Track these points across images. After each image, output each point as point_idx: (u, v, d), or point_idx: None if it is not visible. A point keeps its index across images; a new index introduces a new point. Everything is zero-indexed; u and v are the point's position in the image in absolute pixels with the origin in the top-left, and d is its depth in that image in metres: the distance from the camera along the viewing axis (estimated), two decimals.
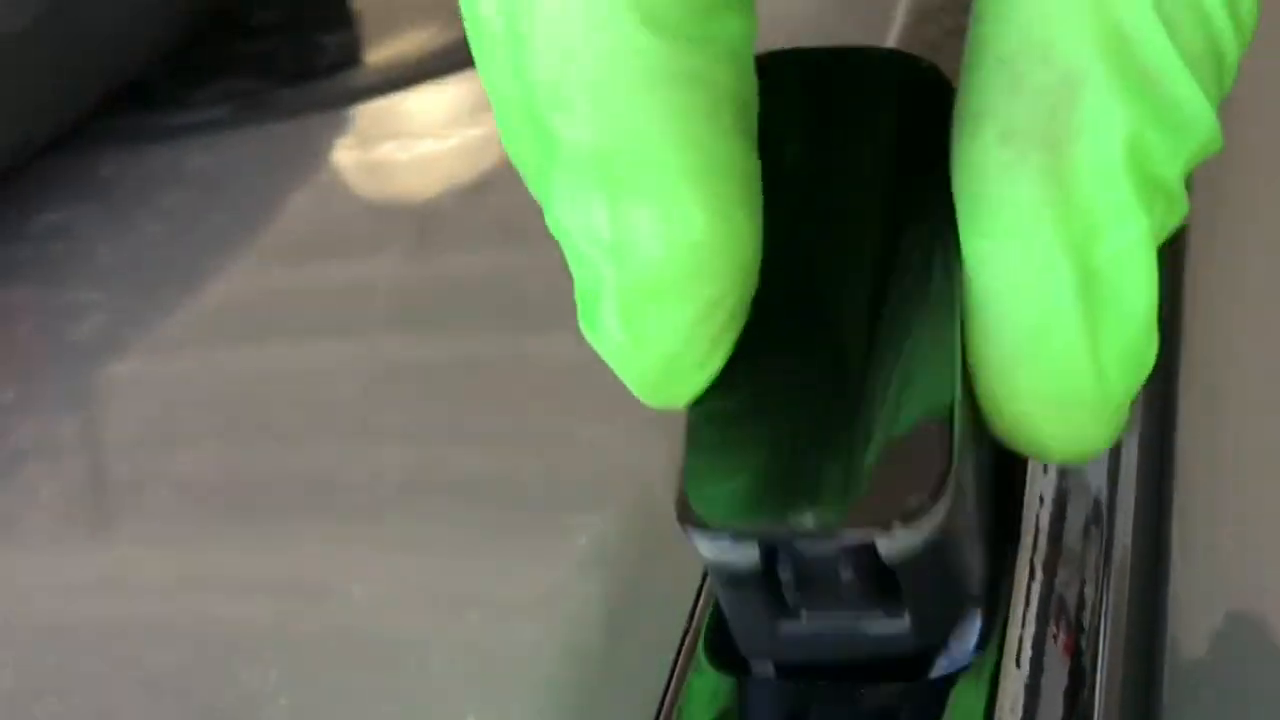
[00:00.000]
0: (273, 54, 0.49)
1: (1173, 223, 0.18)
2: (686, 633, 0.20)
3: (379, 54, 0.48)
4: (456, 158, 0.43)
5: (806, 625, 0.18)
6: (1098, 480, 0.23)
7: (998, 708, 0.19)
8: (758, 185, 0.18)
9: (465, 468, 0.31)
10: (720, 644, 0.19)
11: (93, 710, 0.28)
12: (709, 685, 0.19)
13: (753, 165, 0.18)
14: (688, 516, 0.17)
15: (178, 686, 0.28)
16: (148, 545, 0.32)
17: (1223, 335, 0.28)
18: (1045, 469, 0.22)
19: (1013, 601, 0.20)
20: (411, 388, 0.34)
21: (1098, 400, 0.18)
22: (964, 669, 0.19)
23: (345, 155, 0.44)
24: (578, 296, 0.18)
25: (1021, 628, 0.20)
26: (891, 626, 0.18)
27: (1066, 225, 0.17)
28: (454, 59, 0.45)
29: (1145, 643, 0.23)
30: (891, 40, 0.34)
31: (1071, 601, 0.21)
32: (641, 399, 0.18)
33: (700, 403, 0.18)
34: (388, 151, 0.44)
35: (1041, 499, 0.22)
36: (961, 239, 0.18)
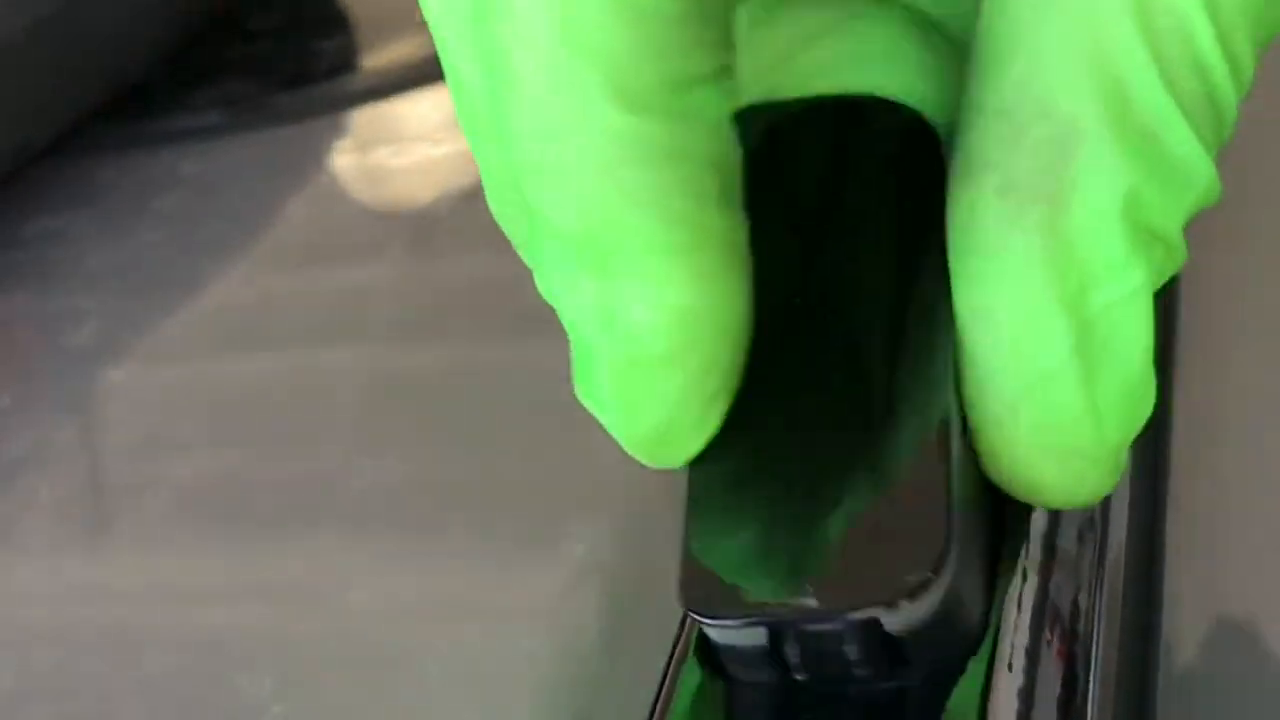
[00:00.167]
0: (269, 59, 0.49)
1: (1171, 269, 0.18)
2: (679, 638, 0.20)
3: (376, 59, 0.48)
4: (453, 163, 0.43)
5: (818, 694, 0.18)
6: None
7: (990, 713, 0.19)
8: (744, 250, 0.18)
9: (462, 475, 0.31)
10: (712, 648, 0.19)
11: (89, 715, 0.28)
12: (701, 689, 0.19)
13: (737, 230, 0.18)
14: (693, 605, 0.17)
15: (174, 692, 0.28)
16: (144, 551, 0.32)
17: (1218, 340, 0.28)
18: None
19: (1005, 607, 0.20)
20: (408, 394, 0.34)
21: (1096, 448, 0.18)
22: (959, 673, 0.19)
23: (342, 160, 0.44)
24: (573, 360, 0.18)
25: (1015, 633, 0.20)
26: (902, 682, 0.18)
27: (1063, 278, 0.17)
28: None
29: (1139, 648, 0.23)
30: None
31: (1065, 607, 0.21)
32: (639, 459, 0.19)
33: (699, 466, 0.18)
34: (384, 156, 0.44)
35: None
36: (955, 290, 0.18)
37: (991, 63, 0.17)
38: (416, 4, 0.18)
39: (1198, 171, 0.17)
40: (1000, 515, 0.20)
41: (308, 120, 0.45)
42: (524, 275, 0.38)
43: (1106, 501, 0.23)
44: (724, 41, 0.17)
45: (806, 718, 0.19)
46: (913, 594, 0.17)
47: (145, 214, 0.42)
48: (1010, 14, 0.17)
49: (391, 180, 0.43)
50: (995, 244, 0.17)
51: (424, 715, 0.26)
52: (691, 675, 0.19)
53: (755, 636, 0.17)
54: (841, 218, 0.20)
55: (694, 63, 0.17)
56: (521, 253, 0.19)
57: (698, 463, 0.18)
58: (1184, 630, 0.24)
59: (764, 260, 0.18)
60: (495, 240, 0.41)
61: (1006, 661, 0.19)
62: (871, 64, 0.20)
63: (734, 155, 0.18)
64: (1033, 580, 0.21)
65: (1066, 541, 0.22)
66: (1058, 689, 0.20)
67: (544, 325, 0.34)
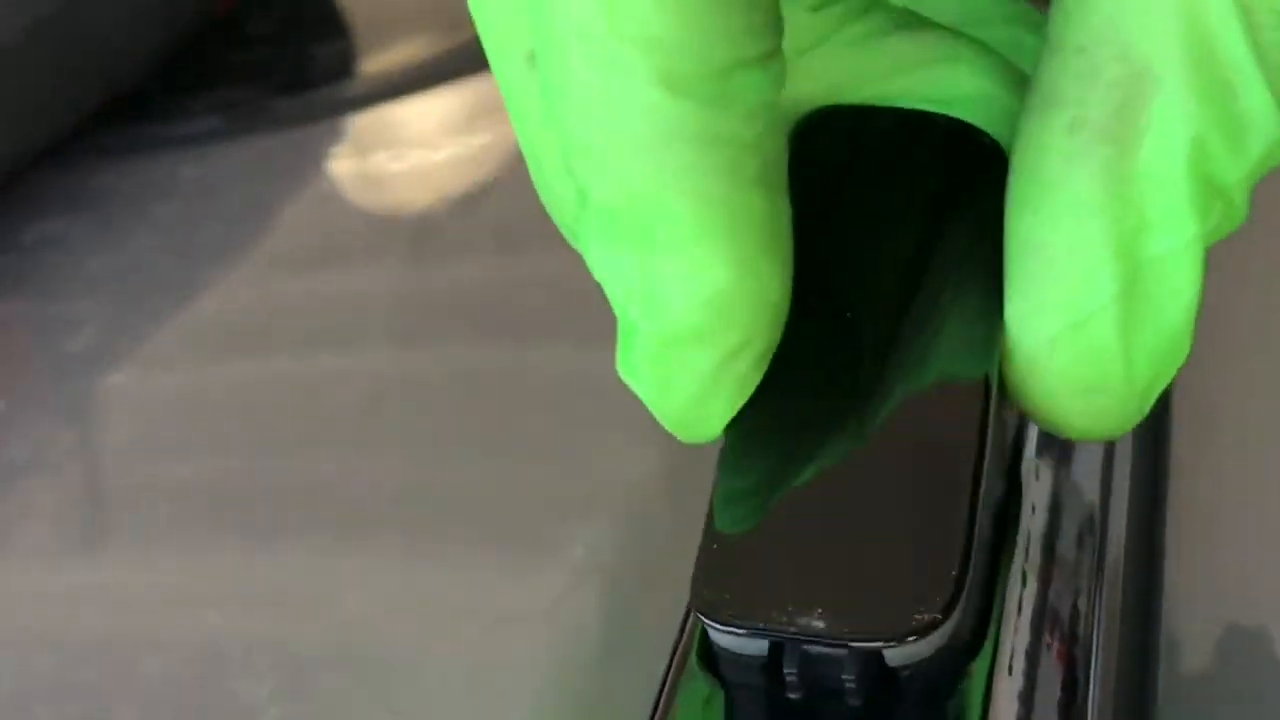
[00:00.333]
0: (268, 64, 0.49)
1: (1229, 228, 0.18)
2: (679, 640, 0.20)
3: (373, 63, 0.48)
4: (452, 167, 0.43)
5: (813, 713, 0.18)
6: (1091, 488, 0.23)
7: (991, 716, 0.19)
8: (785, 232, 0.18)
9: (461, 479, 0.31)
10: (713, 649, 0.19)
11: (88, 719, 0.28)
12: (701, 692, 0.19)
13: (778, 214, 0.18)
14: (704, 608, 0.17)
15: (172, 697, 0.28)
16: (143, 556, 0.32)
17: (1217, 340, 0.28)
18: (1037, 476, 0.22)
19: (1005, 610, 0.20)
20: (407, 399, 0.34)
21: (1123, 389, 0.18)
22: (959, 677, 0.19)
23: (341, 165, 0.44)
24: (619, 337, 0.18)
25: (1014, 637, 0.20)
26: (897, 708, 0.18)
27: (1119, 220, 0.17)
28: (448, 68, 0.45)
29: (1139, 652, 0.23)
30: None
31: (1065, 610, 0.21)
32: (674, 434, 0.19)
33: (728, 465, 0.18)
34: (383, 161, 0.44)
35: (1034, 507, 0.22)
36: (1013, 218, 0.18)
37: (1076, 1, 0.17)
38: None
39: (1267, 128, 0.17)
40: (1002, 525, 0.21)
41: (306, 125, 0.45)
42: (523, 279, 0.38)
43: (1106, 504, 0.23)
44: (770, 26, 0.17)
45: None
46: (919, 634, 0.17)
47: (144, 219, 0.42)
48: None
49: (390, 185, 0.43)
50: (1058, 179, 0.17)
51: (424, 718, 0.26)
52: (692, 679, 0.19)
53: (757, 647, 0.18)
54: (878, 213, 0.20)
55: (738, 48, 0.17)
56: (568, 234, 0.19)
57: (728, 457, 0.18)
58: (1184, 633, 0.24)
59: (805, 254, 0.19)
60: (494, 245, 0.41)
61: (1007, 664, 0.19)
62: (957, 104, 0.20)
63: (777, 139, 0.18)
64: (1033, 583, 0.20)
65: (1066, 545, 0.22)
66: (1058, 691, 0.20)
67: (542, 329, 0.35)
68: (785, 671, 0.17)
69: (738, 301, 0.18)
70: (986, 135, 0.20)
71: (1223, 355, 0.28)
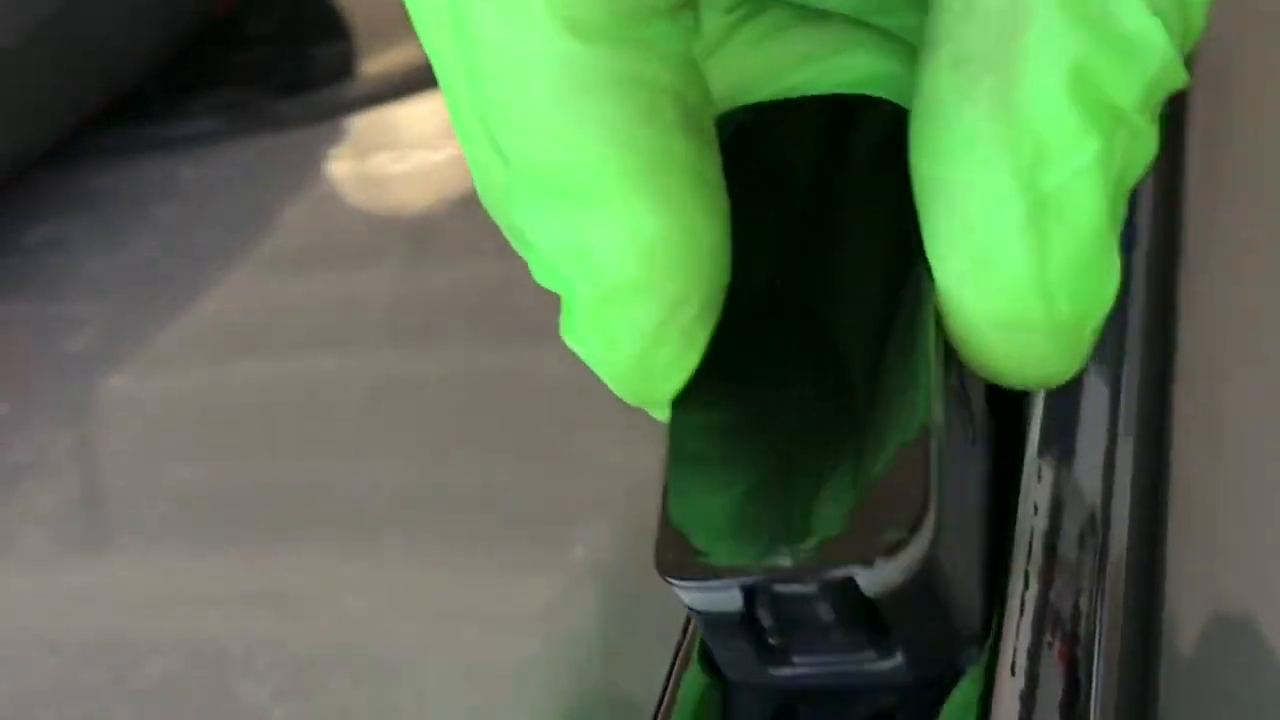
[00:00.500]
0: (267, 65, 0.49)
1: (1141, 157, 0.18)
2: (681, 642, 0.20)
3: (373, 65, 0.48)
4: (452, 169, 0.43)
5: (797, 670, 0.18)
6: (1093, 488, 0.23)
7: (992, 717, 0.19)
8: (715, 180, 0.18)
9: (461, 480, 0.31)
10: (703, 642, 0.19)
11: None
12: (702, 692, 0.19)
13: (705, 161, 0.18)
14: (666, 567, 0.17)
15: (173, 700, 0.28)
16: (143, 559, 0.32)
17: (1218, 342, 0.28)
18: (1039, 477, 0.22)
19: (1007, 610, 0.20)
20: (407, 400, 0.34)
21: (1047, 324, 0.18)
22: (960, 677, 0.19)
23: (340, 166, 0.44)
24: (562, 305, 0.18)
25: (1016, 637, 0.20)
26: (885, 665, 0.18)
27: (1015, 150, 0.17)
28: None
29: (1141, 652, 0.23)
30: None
31: (1066, 610, 0.21)
32: (625, 399, 0.19)
33: (680, 425, 0.18)
34: (383, 163, 0.44)
35: (1035, 507, 0.22)
36: (914, 164, 0.18)
37: None
38: (413, 23, 0.18)
39: (1152, 46, 0.17)
40: (1001, 524, 0.20)
41: (307, 126, 0.45)
42: (523, 281, 0.38)
43: (1107, 504, 0.23)
44: None
45: None
46: (888, 553, 0.16)
47: (144, 220, 0.42)
48: None
49: (390, 186, 0.43)
50: (949, 116, 0.17)
51: (423, 718, 0.26)
52: (694, 680, 0.19)
53: (729, 600, 0.17)
54: (823, 198, 0.20)
55: None
56: (495, 208, 0.19)
57: (679, 421, 0.18)
58: (1185, 633, 0.24)
59: (745, 240, 0.19)
60: (494, 246, 0.41)
61: (1008, 665, 0.19)
62: (863, 88, 0.20)
63: (699, 88, 0.18)
64: (1034, 584, 0.20)
65: (1067, 545, 0.22)
66: (1059, 692, 0.20)
67: (542, 331, 0.34)
68: (761, 617, 0.17)
69: (671, 249, 0.18)
70: (892, 104, 0.20)
71: (1224, 353, 0.28)
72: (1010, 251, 0.17)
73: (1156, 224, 0.29)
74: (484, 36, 0.17)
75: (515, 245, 0.19)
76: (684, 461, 0.18)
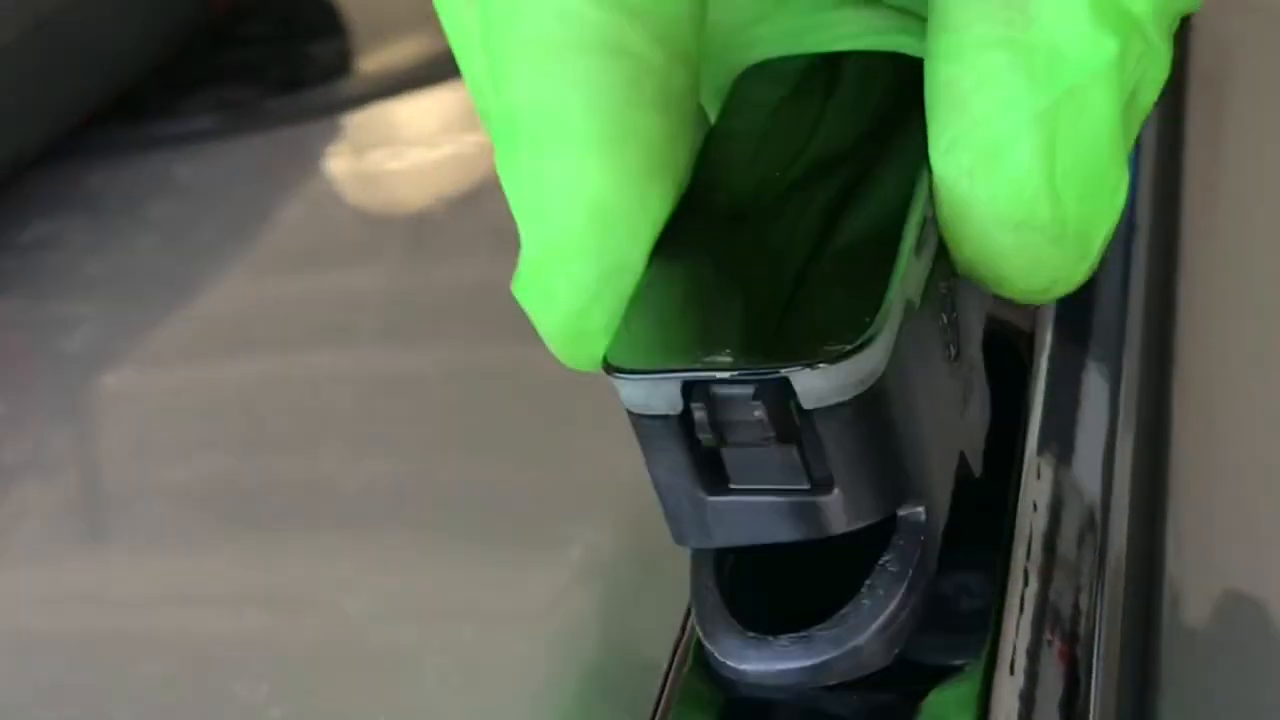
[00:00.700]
0: (264, 63, 0.48)
1: (1155, 76, 0.18)
2: (679, 642, 0.20)
3: (370, 62, 0.48)
4: (449, 166, 0.43)
5: (734, 499, 0.18)
6: (1092, 486, 0.23)
7: (991, 716, 0.19)
8: (678, 162, 0.19)
9: (458, 479, 0.31)
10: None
11: None
12: (700, 692, 0.19)
13: (672, 141, 0.18)
14: (613, 361, 0.18)
15: (169, 699, 0.28)
16: (140, 558, 0.31)
17: (1217, 339, 0.28)
18: (1038, 475, 0.22)
19: (1006, 608, 0.20)
20: (404, 398, 0.34)
21: (1053, 226, 0.18)
22: (962, 670, 0.19)
23: (337, 164, 0.44)
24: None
25: (1015, 635, 0.20)
26: (822, 502, 0.17)
27: (1029, 53, 0.17)
28: (446, 67, 0.45)
29: (1140, 650, 0.23)
30: None
31: (1066, 608, 0.21)
32: (559, 357, 0.19)
33: (665, 254, 0.18)
34: (380, 160, 0.44)
35: (1035, 505, 0.21)
36: (927, 68, 0.18)
37: None
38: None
39: None
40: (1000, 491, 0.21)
41: (303, 124, 0.45)
42: None
43: (1107, 503, 0.23)
44: None
45: None
46: (826, 359, 0.17)
47: (140, 219, 0.42)
48: None
49: (387, 184, 0.43)
50: (963, 19, 0.18)
51: (420, 717, 0.26)
52: (691, 678, 0.19)
53: (668, 399, 0.17)
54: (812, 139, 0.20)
55: None
56: (493, 139, 0.19)
57: (666, 249, 0.18)
58: (1184, 630, 0.24)
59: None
60: (492, 243, 0.41)
61: (1008, 663, 0.19)
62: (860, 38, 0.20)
63: (687, 72, 0.18)
64: (1034, 582, 0.20)
65: (1067, 543, 0.22)
66: (1059, 690, 0.20)
67: None
68: (695, 412, 0.17)
69: (618, 216, 0.18)
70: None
71: (1223, 350, 0.28)
72: (1019, 147, 0.18)
73: (1155, 220, 0.28)
74: None
75: None
76: (649, 291, 0.18)
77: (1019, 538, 0.21)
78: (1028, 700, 0.19)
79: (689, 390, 0.17)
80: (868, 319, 0.17)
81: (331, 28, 0.50)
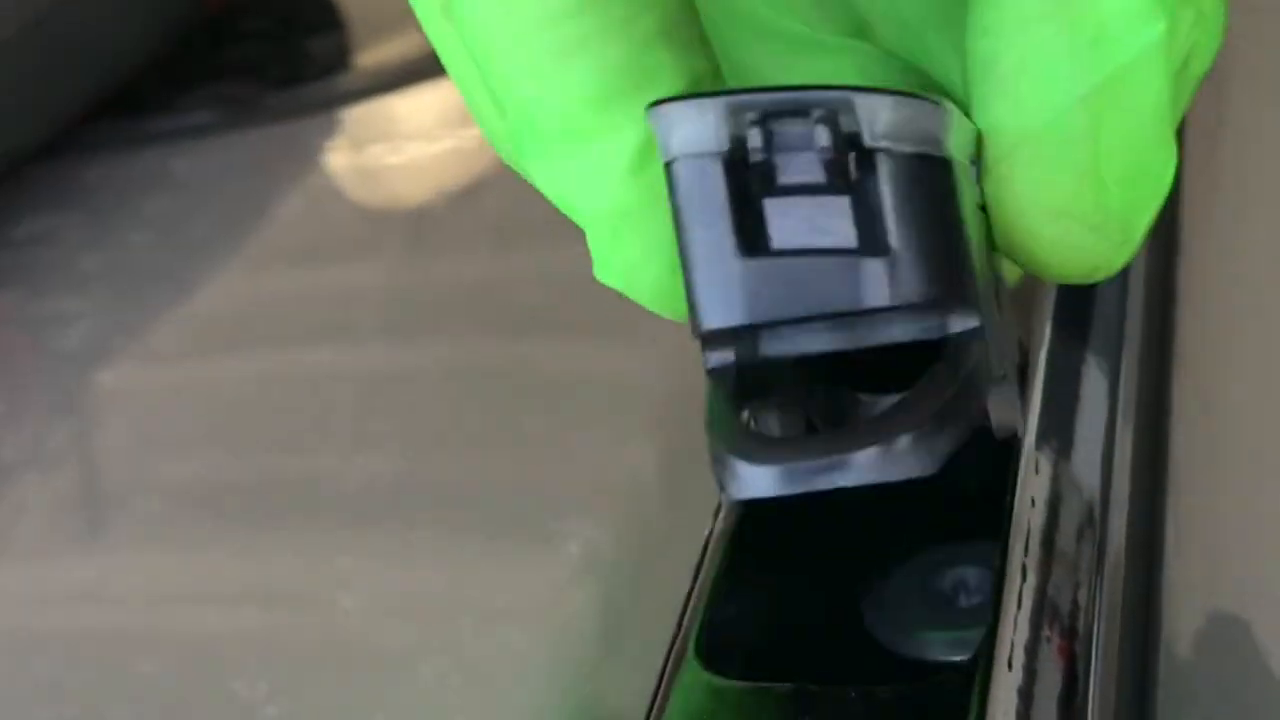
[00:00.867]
0: (261, 58, 0.48)
1: (1208, 45, 0.17)
2: (676, 636, 0.20)
3: (368, 57, 0.48)
4: (448, 161, 0.43)
5: (774, 261, 0.16)
6: (1091, 481, 0.23)
7: (990, 712, 0.18)
8: (703, 71, 0.18)
9: (455, 474, 0.31)
10: (710, 644, 0.19)
11: (83, 718, 0.28)
12: (697, 688, 0.19)
13: (690, 59, 0.18)
14: (656, 101, 0.16)
15: (167, 696, 0.28)
16: (137, 554, 0.31)
17: (1217, 335, 0.28)
18: (1037, 470, 0.22)
19: (1004, 604, 0.20)
20: (402, 395, 0.33)
21: (1097, 213, 0.17)
22: (960, 666, 0.19)
23: (336, 159, 0.44)
24: (591, 247, 0.18)
25: (1014, 631, 0.20)
26: (872, 269, 0.16)
27: (1073, 29, 0.16)
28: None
29: (1139, 646, 0.23)
30: None
31: (1065, 605, 0.21)
32: (665, 314, 0.18)
33: None
34: (379, 154, 0.44)
35: (1033, 501, 0.21)
36: (971, 43, 0.17)
37: None
38: (409, 3, 0.18)
39: None
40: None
41: (301, 119, 0.45)
42: (520, 273, 0.38)
43: (1106, 498, 0.23)
44: None
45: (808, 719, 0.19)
46: (895, 93, 0.15)
47: (137, 214, 0.42)
48: None
49: (386, 178, 0.43)
50: None
51: (418, 714, 0.26)
52: (689, 673, 0.19)
53: (717, 134, 0.16)
54: None
55: None
56: (509, 160, 0.19)
57: None
58: (1184, 626, 0.24)
59: None
60: (491, 238, 0.41)
61: (1006, 659, 0.19)
62: None
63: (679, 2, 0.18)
64: (1032, 578, 0.20)
65: (1066, 539, 0.22)
66: (1058, 686, 0.20)
67: (539, 324, 0.34)
68: (749, 136, 0.16)
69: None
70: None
71: (1223, 346, 0.28)
72: (1062, 132, 0.17)
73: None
74: None
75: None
76: None
77: (1017, 533, 0.21)
78: (1026, 696, 0.19)
79: (740, 119, 0.16)
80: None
81: (329, 23, 0.50)
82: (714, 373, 0.17)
